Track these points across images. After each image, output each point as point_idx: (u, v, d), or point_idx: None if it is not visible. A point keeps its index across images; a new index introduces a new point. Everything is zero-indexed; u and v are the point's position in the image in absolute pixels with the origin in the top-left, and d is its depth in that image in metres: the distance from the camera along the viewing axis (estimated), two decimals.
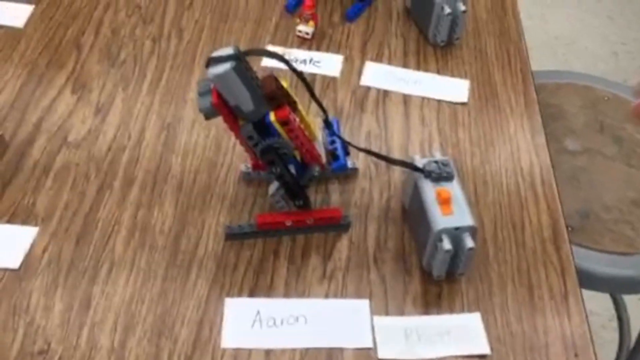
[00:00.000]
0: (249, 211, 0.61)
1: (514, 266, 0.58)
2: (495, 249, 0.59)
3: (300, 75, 0.52)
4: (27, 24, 0.75)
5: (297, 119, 0.53)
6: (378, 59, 0.76)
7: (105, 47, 0.74)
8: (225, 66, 0.48)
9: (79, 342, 0.51)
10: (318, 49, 0.76)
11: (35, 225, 0.58)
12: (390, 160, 0.57)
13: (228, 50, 0.49)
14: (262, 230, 0.58)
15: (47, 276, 0.55)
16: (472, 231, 0.53)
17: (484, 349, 0.52)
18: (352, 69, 0.75)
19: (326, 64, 0.75)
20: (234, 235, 0.58)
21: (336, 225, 0.59)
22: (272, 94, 0.51)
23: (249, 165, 0.62)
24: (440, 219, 0.53)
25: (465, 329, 0.53)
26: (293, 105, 0.54)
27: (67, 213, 0.59)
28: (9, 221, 0.58)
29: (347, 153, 0.58)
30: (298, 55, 0.75)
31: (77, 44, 0.75)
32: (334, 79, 0.73)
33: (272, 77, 0.52)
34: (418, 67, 0.75)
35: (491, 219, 0.61)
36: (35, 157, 0.63)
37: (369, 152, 0.56)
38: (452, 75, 0.75)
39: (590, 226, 0.88)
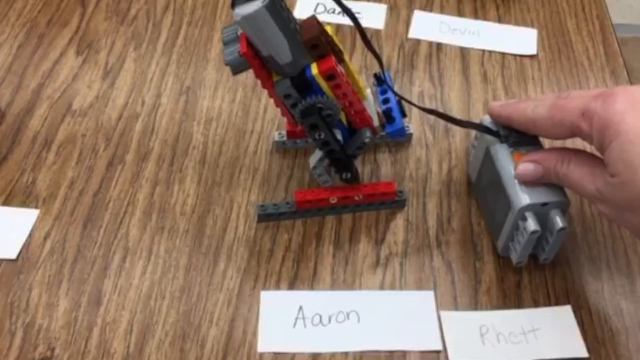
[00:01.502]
0: (284, 187, 0.51)
1: (608, 248, 0.48)
2: (583, 228, 0.49)
3: (350, 13, 0.41)
4: None
5: (345, 73, 0.44)
6: (428, 7, 0.65)
7: (113, 2, 0.65)
8: (256, 4, 0.38)
9: (88, 347, 0.43)
10: None
11: (36, 207, 0.49)
12: (460, 123, 0.46)
13: None
14: (301, 209, 0.48)
15: (50, 268, 0.46)
16: (563, 207, 0.43)
17: (581, 351, 0.42)
18: (398, 19, 0.64)
19: (368, 14, 0.64)
20: (268, 216, 0.48)
21: (390, 201, 0.49)
22: (315, 41, 0.41)
23: (284, 132, 0.53)
24: (523, 193, 0.43)
25: (555, 326, 0.44)
26: (339, 56, 0.43)
27: (73, 192, 0.50)
28: (5, 203, 0.49)
29: (403, 114, 0.48)
30: (335, 6, 0.65)
31: None
32: (377, 31, 0.63)
33: (315, 20, 0.42)
34: (475, 16, 0.65)
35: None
36: (35, 128, 0.54)
37: (434, 112, 0.46)
38: (517, 24, 0.64)
39: None
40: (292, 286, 0.46)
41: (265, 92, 0.58)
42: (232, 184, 0.51)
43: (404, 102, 0.47)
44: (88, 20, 0.63)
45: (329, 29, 0.43)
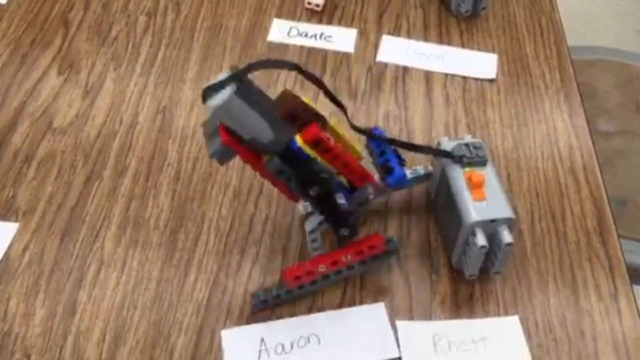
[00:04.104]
0: (254, 203, 0.54)
1: (555, 262, 0.51)
2: (533, 243, 0.52)
3: (318, 82, 0.42)
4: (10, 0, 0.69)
5: (332, 137, 0.43)
6: (396, 32, 0.69)
7: (95, 24, 0.68)
8: (225, 93, 0.38)
9: (62, 354, 0.45)
10: (329, 22, 0.69)
11: (16, 220, 0.52)
12: (417, 149, 0.49)
13: (223, 74, 0.39)
14: (293, 287, 0.47)
15: (28, 278, 0.49)
16: (511, 224, 0.46)
17: (526, 358, 0.45)
18: (367, 43, 0.68)
19: (338, 38, 0.68)
20: (264, 303, 0.47)
21: (382, 253, 0.48)
22: (292, 113, 0.41)
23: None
24: (473, 210, 0.46)
25: (503, 335, 0.47)
26: (321, 121, 0.43)
27: (51, 207, 0.53)
28: None
29: (401, 163, 0.49)
30: (307, 30, 0.68)
31: (64, 20, 0.68)
32: (347, 55, 0.66)
33: (288, 94, 0.42)
34: (440, 41, 0.68)
35: (527, 209, 0.54)
36: (16, 145, 0.57)
37: (393, 142, 0.49)
38: (479, 49, 0.67)
39: (628, 214, 0.81)
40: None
41: None
42: (205, 199, 0.54)
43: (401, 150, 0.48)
44: (70, 40, 0.66)
45: (305, 99, 0.43)
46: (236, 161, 0.56)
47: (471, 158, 0.48)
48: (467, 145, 0.49)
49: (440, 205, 0.52)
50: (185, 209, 0.53)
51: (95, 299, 0.48)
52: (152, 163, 0.56)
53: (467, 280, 0.49)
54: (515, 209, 0.53)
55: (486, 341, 0.46)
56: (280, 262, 0.50)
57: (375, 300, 0.49)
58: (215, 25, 0.68)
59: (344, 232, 0.46)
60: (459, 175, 0.48)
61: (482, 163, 0.48)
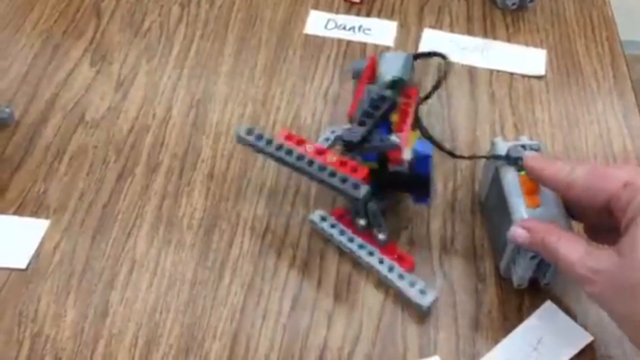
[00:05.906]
0: (290, 203, 0.52)
1: None
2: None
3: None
4: None
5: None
6: (438, 25, 0.66)
7: (128, 14, 0.66)
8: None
9: (93, 358, 0.43)
10: (368, 14, 0.67)
11: (47, 217, 0.50)
12: (469, 158, 0.47)
13: None
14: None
15: (59, 278, 0.47)
16: None
17: (584, 336, 0.44)
18: (408, 37, 0.65)
19: (378, 31, 0.65)
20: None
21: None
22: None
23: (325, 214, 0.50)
24: (526, 217, 0.43)
25: (550, 325, 0.45)
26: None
27: (83, 204, 0.51)
28: (17, 212, 0.51)
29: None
30: (346, 22, 0.66)
31: (97, 11, 0.66)
32: (387, 48, 0.64)
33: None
34: (485, 35, 0.65)
35: None
36: (48, 139, 0.55)
37: (451, 154, 0.47)
38: (526, 44, 0.64)
39: None
40: (295, 302, 0.46)
41: (275, 108, 0.59)
42: (239, 198, 0.52)
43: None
44: (103, 31, 0.64)
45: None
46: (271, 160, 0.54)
47: None
48: (523, 147, 0.46)
49: (490, 209, 0.49)
50: (220, 209, 0.51)
51: (128, 301, 0.46)
52: (185, 160, 0.54)
53: (516, 290, 0.47)
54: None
55: (543, 340, 0.44)
56: (318, 266, 0.48)
57: (418, 309, 0.46)
58: (250, 16, 0.66)
59: (362, 222, 0.47)
60: (513, 179, 0.45)
61: None
